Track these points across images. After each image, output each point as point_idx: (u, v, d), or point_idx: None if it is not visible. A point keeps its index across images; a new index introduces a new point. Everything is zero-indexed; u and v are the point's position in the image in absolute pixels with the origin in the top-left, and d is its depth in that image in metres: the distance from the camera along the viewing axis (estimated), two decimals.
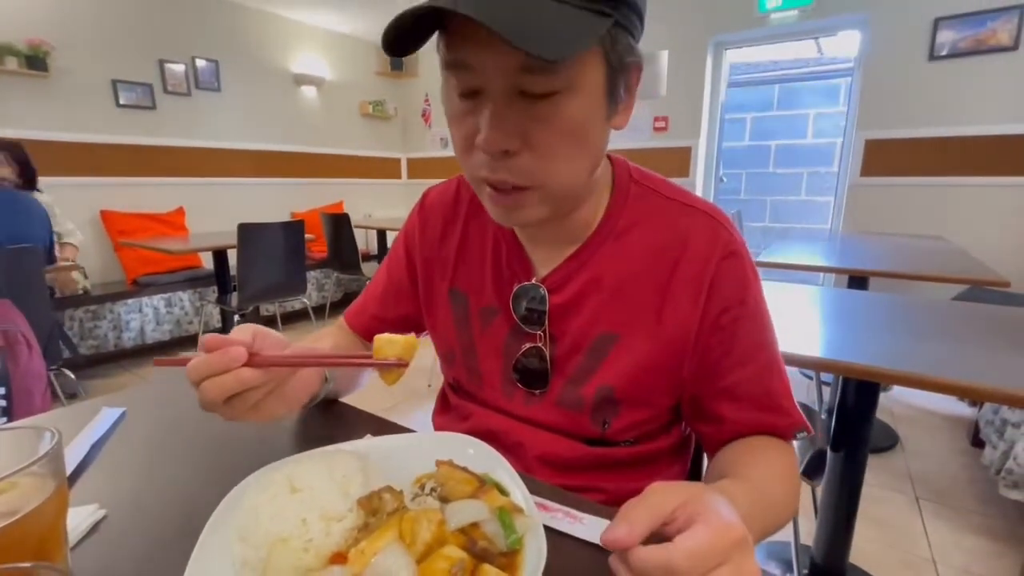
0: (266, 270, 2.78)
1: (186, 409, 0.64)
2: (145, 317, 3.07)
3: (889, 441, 2.00)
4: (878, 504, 1.65)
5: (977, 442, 1.93)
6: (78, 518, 0.40)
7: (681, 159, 3.71)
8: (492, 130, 0.42)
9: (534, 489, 0.39)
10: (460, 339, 0.63)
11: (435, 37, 0.43)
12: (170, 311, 3.18)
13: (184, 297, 3.24)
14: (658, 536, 0.29)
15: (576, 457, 0.57)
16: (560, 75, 0.41)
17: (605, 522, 0.40)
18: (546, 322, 0.56)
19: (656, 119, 3.77)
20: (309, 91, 4.37)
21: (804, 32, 3.38)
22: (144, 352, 3.04)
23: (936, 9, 2.78)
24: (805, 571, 1.18)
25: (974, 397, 0.71)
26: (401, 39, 0.41)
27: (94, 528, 0.41)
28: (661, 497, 0.30)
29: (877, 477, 1.78)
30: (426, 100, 5.03)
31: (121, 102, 3.25)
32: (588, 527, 0.39)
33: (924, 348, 0.88)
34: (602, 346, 0.54)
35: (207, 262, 3.29)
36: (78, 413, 0.61)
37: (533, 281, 0.57)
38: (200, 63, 3.61)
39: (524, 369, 0.58)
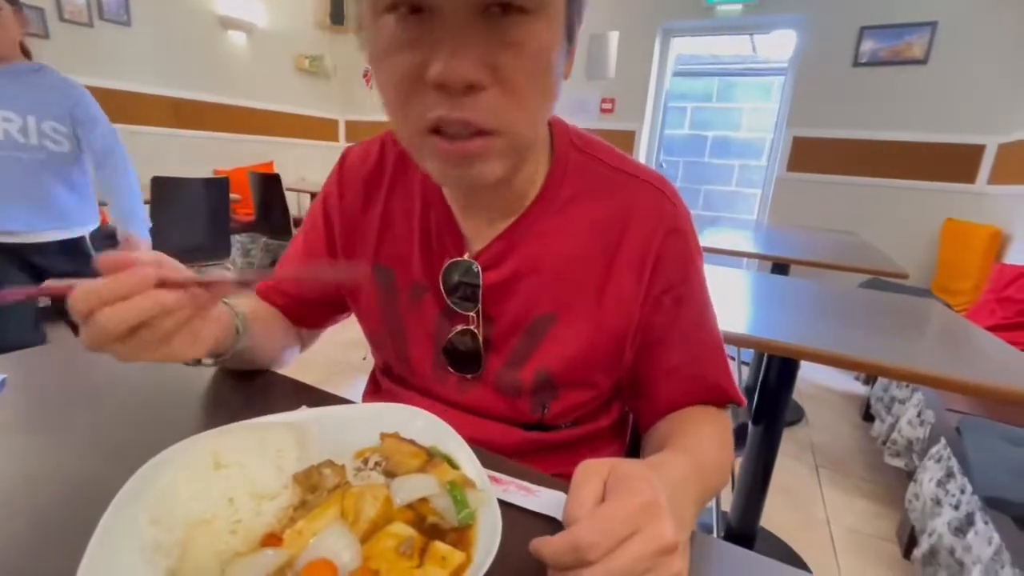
0: (185, 230, 2.54)
1: (84, 377, 0.56)
2: None
3: (796, 416, 2.19)
4: (784, 472, 1.80)
5: (868, 416, 2.16)
6: None
7: (625, 143, 3.78)
8: (455, 57, 0.34)
9: (486, 462, 0.38)
10: (387, 322, 0.57)
11: None
12: None
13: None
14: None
15: (513, 443, 0.54)
16: None
17: (560, 495, 0.39)
18: (479, 302, 0.51)
19: (604, 100, 3.80)
20: (238, 36, 3.98)
21: (746, 27, 3.52)
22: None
23: (863, 17, 2.98)
24: (722, 534, 1.27)
25: (875, 373, 0.77)
26: None
27: None
28: (587, 489, 0.30)
29: (783, 447, 1.95)
30: None
31: None
32: (543, 500, 0.38)
33: (834, 329, 0.95)
34: (539, 328, 0.51)
35: None
36: None
37: (465, 257, 0.51)
38: None
39: (454, 351, 0.53)
